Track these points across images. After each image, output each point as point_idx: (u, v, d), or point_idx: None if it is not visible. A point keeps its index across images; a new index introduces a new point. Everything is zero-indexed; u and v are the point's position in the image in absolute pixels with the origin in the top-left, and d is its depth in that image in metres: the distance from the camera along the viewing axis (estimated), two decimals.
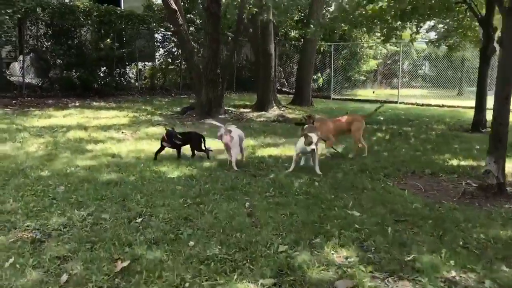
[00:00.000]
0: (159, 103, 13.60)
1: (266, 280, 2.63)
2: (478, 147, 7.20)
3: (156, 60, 17.69)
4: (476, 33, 11.00)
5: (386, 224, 3.58)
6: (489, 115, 9.36)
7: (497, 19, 9.71)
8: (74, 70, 13.71)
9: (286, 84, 21.82)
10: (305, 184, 4.79)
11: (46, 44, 13.76)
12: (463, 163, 6.12)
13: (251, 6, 11.92)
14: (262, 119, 11.10)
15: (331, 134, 6.32)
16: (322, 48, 20.40)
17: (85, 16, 13.71)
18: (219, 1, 10.54)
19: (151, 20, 16.22)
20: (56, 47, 13.47)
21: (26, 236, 3.16)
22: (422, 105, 16.34)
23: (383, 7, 9.86)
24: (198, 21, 17.59)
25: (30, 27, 13.28)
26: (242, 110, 12.79)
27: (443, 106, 15.83)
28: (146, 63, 17.41)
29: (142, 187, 4.49)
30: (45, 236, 3.20)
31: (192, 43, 12.15)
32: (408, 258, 2.97)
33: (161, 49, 17.72)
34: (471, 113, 10.41)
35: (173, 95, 16.57)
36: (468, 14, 10.08)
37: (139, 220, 3.56)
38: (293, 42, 21.30)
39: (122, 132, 7.87)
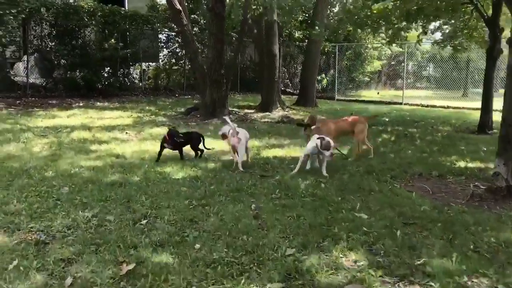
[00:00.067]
0: (163, 103, 13.57)
1: (274, 284, 2.59)
2: (485, 149, 7.14)
3: (160, 60, 17.67)
4: (482, 33, 10.92)
5: (395, 227, 3.53)
6: (495, 117, 9.39)
7: (504, 20, 9.66)
8: (78, 70, 13.73)
9: (290, 85, 21.76)
10: (311, 185, 4.74)
11: (50, 44, 13.77)
12: (470, 165, 6.06)
13: (255, 7, 11.88)
14: (266, 120, 11.05)
15: (331, 135, 6.25)
16: (326, 49, 20.31)
17: (89, 16, 13.70)
18: (224, 1, 10.50)
19: (155, 21, 16.20)
20: (60, 47, 13.47)
21: (30, 238, 3.12)
22: (427, 106, 16.23)
23: (389, 7, 9.78)
24: (202, 21, 17.58)
25: (34, 27, 13.26)
26: (246, 110, 12.75)
27: (448, 107, 15.75)
28: (150, 63, 17.39)
29: (146, 188, 4.45)
30: (49, 238, 3.16)
31: (196, 43, 12.09)
32: (418, 262, 2.91)
33: (165, 49, 17.72)
34: (476, 115, 10.34)
35: (177, 95, 16.53)
36: (474, 14, 10.01)
37: (144, 222, 3.51)
38: (298, 42, 21.25)
39: (126, 133, 7.84)
